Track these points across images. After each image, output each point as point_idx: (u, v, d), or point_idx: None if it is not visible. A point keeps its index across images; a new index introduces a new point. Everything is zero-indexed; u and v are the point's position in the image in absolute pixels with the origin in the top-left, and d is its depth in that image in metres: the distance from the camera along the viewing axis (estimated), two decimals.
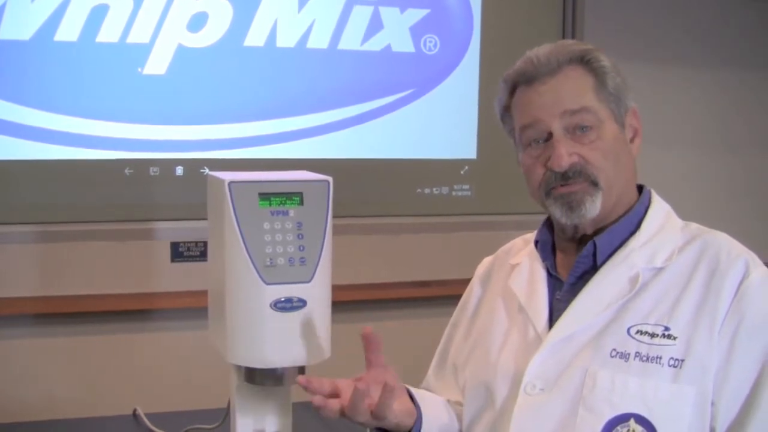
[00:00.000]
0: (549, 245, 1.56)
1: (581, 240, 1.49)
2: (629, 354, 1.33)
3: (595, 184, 1.42)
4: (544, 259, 1.53)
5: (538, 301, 1.49)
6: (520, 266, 1.57)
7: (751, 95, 3.94)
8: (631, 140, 1.48)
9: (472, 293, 1.72)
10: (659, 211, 1.48)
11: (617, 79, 1.45)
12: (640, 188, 1.53)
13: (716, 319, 1.31)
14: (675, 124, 3.78)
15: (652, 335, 1.33)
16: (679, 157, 3.80)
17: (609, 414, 1.31)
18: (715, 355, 1.30)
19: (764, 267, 1.38)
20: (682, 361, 1.30)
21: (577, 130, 1.42)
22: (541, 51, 1.48)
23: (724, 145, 3.92)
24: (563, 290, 1.47)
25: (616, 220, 1.46)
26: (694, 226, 1.47)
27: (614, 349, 1.34)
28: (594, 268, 1.45)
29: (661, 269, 1.39)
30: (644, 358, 1.32)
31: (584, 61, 1.45)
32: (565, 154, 1.41)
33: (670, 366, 1.30)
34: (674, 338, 1.31)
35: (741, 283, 1.34)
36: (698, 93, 3.80)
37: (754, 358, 1.30)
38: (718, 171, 3.90)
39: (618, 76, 1.46)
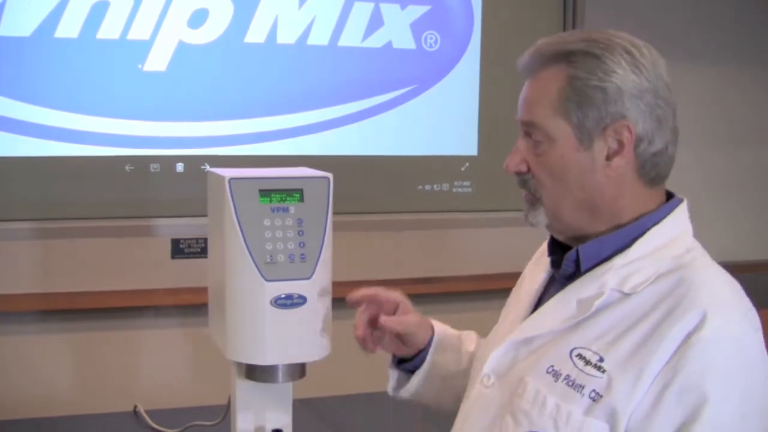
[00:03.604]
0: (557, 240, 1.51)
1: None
2: (561, 374, 1.29)
3: (537, 198, 1.38)
4: (549, 254, 1.49)
5: (527, 294, 1.49)
6: (543, 255, 1.53)
7: (756, 89, 3.93)
8: (608, 157, 1.31)
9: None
10: (664, 231, 1.35)
11: (597, 90, 1.29)
12: (669, 195, 1.40)
13: (647, 368, 1.22)
14: (679, 119, 3.77)
15: (587, 362, 1.27)
16: (684, 150, 3.79)
17: (527, 427, 1.30)
18: (634, 404, 1.21)
19: (732, 321, 1.24)
20: (601, 396, 1.24)
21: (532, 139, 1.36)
22: (534, 47, 1.38)
23: (730, 139, 3.91)
24: (553, 289, 1.44)
25: (607, 231, 1.35)
26: (691, 256, 1.33)
27: (552, 366, 1.30)
28: (577, 274, 1.38)
29: (627, 295, 1.30)
30: (570, 383, 1.27)
31: (568, 61, 1.32)
32: (513, 160, 1.38)
33: (589, 397, 1.25)
34: (603, 371, 1.25)
35: (688, 336, 1.21)
36: (702, 87, 3.78)
37: (674, 420, 1.20)
38: (723, 165, 3.89)
39: (606, 82, 1.29)
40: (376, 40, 3.36)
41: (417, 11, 3.39)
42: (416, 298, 3.18)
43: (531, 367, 1.33)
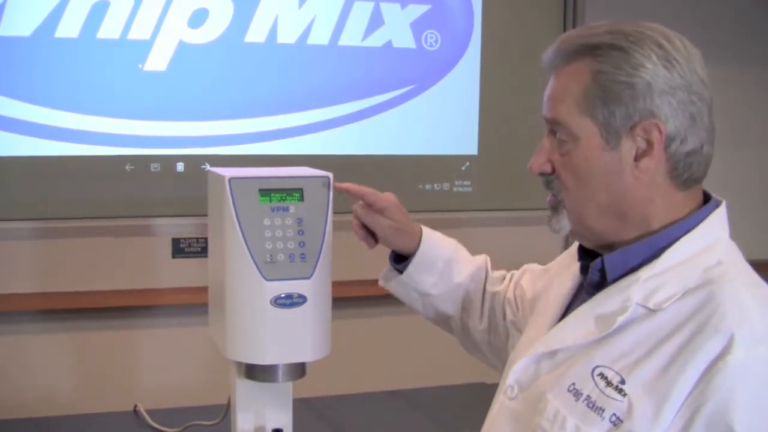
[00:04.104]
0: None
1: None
2: (582, 394, 1.22)
3: (560, 201, 1.31)
4: (579, 258, 1.40)
5: (555, 301, 1.42)
6: (574, 258, 1.43)
7: (756, 89, 3.93)
8: (636, 158, 1.23)
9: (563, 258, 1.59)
10: (696, 240, 1.25)
11: (624, 85, 1.21)
12: (706, 199, 1.31)
13: (670, 395, 1.15)
14: None
15: (608, 383, 1.20)
16: None
17: None
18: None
19: (761, 341, 1.15)
20: (622, 422, 1.17)
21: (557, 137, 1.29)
22: (558, 41, 1.30)
23: (730, 140, 3.91)
24: (580, 298, 1.37)
25: (633, 240, 1.27)
26: (722, 269, 1.23)
27: (573, 384, 1.24)
28: (604, 283, 1.30)
29: (653, 312, 1.22)
30: (590, 405, 1.21)
31: (594, 55, 1.24)
32: (537, 161, 1.32)
33: (610, 421, 1.18)
34: (624, 395, 1.18)
35: (714, 362, 1.13)
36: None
37: None
38: (723, 165, 3.87)
39: (634, 77, 1.21)
40: (377, 40, 3.36)
41: (417, 10, 3.39)
42: None
43: (553, 383, 1.28)
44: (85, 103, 3.04)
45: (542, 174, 1.32)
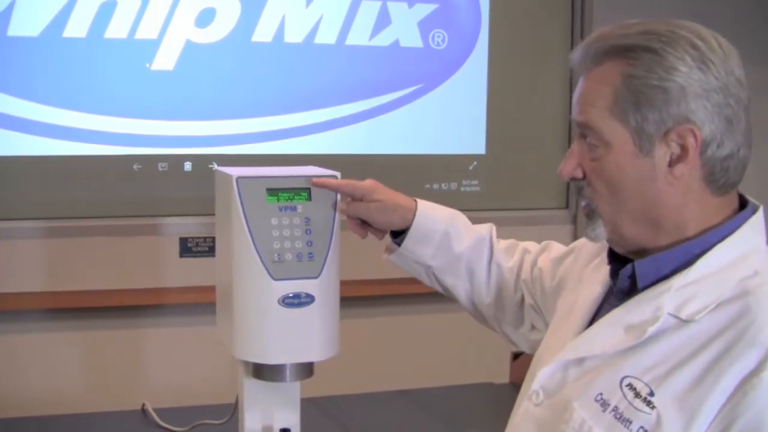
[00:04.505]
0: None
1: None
2: (609, 404, 1.20)
3: (594, 209, 1.27)
4: (608, 261, 1.35)
5: (582, 306, 1.38)
6: (603, 262, 1.38)
7: (756, 89, 3.91)
8: (670, 164, 1.19)
9: (582, 252, 1.55)
10: (731, 247, 1.21)
11: (658, 89, 1.17)
12: (743, 203, 1.27)
13: (701, 411, 1.11)
14: None
15: (637, 394, 1.17)
16: None
17: None
18: None
19: None
20: None
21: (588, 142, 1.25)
22: (587, 40, 1.26)
23: None
24: (609, 304, 1.33)
25: (666, 247, 1.23)
26: (759, 280, 1.18)
27: (601, 394, 1.21)
28: (635, 290, 1.27)
29: (685, 322, 1.18)
30: (618, 416, 1.18)
31: (625, 57, 1.19)
32: (568, 166, 1.27)
33: None
34: (653, 407, 1.15)
35: (748, 377, 1.10)
36: None
37: None
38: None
39: (667, 81, 1.16)
40: (384, 39, 3.36)
41: (424, 9, 3.39)
42: (424, 296, 3.18)
43: (580, 391, 1.25)
44: (92, 103, 3.05)
45: (573, 179, 1.28)
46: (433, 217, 1.69)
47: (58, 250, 3.11)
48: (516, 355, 2.48)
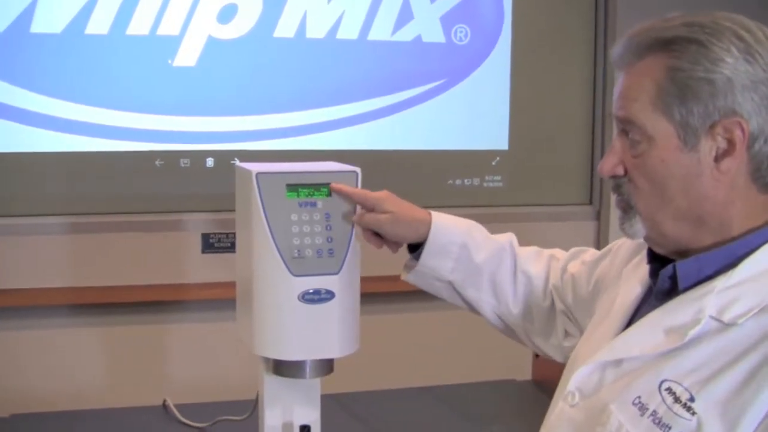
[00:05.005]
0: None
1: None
2: (648, 408, 1.16)
3: (631, 206, 1.23)
4: (648, 260, 1.32)
5: (621, 307, 1.34)
6: (643, 260, 1.35)
7: None
8: (716, 159, 1.15)
9: (619, 252, 1.52)
10: None
11: (703, 82, 1.14)
12: None
13: (743, 419, 1.09)
14: None
15: (677, 399, 1.14)
16: None
17: None
18: None
19: None
20: None
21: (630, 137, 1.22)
22: (627, 35, 1.23)
23: None
24: (648, 304, 1.30)
25: (709, 247, 1.20)
26: None
27: (639, 397, 1.18)
28: (675, 291, 1.24)
29: (727, 326, 1.14)
30: (656, 421, 1.15)
31: (668, 50, 1.16)
32: (608, 162, 1.23)
33: None
34: (693, 413, 1.12)
35: None
36: None
37: None
38: None
39: (713, 73, 1.13)
40: (406, 34, 3.34)
41: (447, 4, 3.37)
42: None
43: (617, 394, 1.21)
44: (115, 99, 3.06)
45: (614, 177, 1.24)
46: (449, 229, 1.65)
47: (80, 246, 3.13)
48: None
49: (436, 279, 1.66)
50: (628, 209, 1.24)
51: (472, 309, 1.72)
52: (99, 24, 3.02)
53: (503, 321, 1.72)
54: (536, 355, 2.48)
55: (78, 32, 3.00)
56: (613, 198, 1.28)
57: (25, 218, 3.07)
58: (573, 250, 1.70)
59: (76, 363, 3.15)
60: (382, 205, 1.60)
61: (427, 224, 1.63)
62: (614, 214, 3.55)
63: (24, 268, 3.10)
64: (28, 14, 2.95)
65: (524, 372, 2.52)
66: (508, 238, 1.72)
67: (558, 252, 1.72)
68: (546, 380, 2.37)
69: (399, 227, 1.62)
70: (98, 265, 3.15)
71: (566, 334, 1.66)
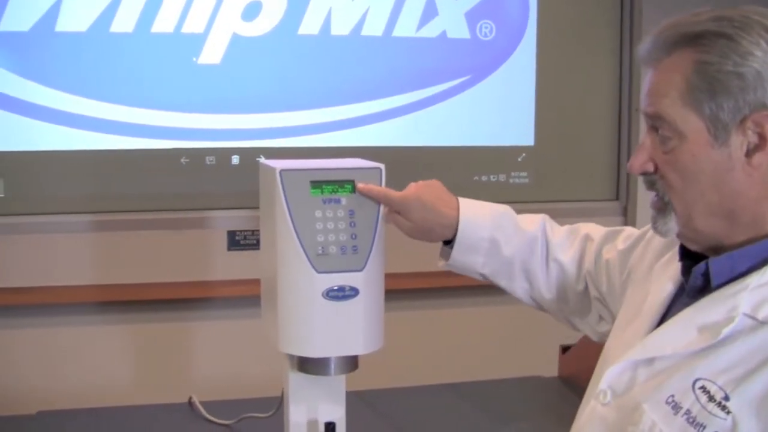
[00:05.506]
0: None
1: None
2: (682, 408, 1.16)
3: (666, 203, 1.23)
4: (680, 257, 1.31)
5: (652, 305, 1.33)
6: (675, 258, 1.34)
7: None
8: (748, 154, 1.15)
9: (651, 244, 1.50)
10: None
11: (733, 76, 1.13)
12: None
13: None
14: None
15: (711, 398, 1.13)
16: None
17: None
18: None
19: None
20: None
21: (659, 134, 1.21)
22: (656, 31, 1.22)
23: None
24: (681, 302, 1.29)
25: (742, 244, 1.19)
26: None
27: (672, 396, 1.17)
28: (708, 288, 1.23)
29: (762, 324, 1.13)
30: (690, 420, 1.14)
31: (697, 44, 1.16)
32: (638, 159, 1.23)
33: None
34: (728, 412, 1.11)
35: None
36: None
37: None
38: None
39: (743, 66, 1.12)
40: (431, 30, 3.33)
41: (472, 0, 3.36)
42: (472, 289, 3.16)
43: (650, 393, 1.21)
44: (140, 97, 3.07)
45: (644, 174, 1.24)
46: (477, 224, 1.65)
47: (107, 244, 3.14)
48: (565, 349, 2.45)
49: (466, 269, 1.68)
50: (663, 207, 1.23)
51: (507, 292, 1.73)
52: (124, 22, 3.03)
53: (538, 303, 1.73)
54: (563, 351, 2.47)
55: (103, 31, 3.01)
56: (650, 196, 1.27)
57: (52, 216, 3.08)
58: (608, 231, 1.68)
59: (102, 360, 3.16)
60: (407, 213, 1.61)
61: (454, 225, 1.64)
62: (641, 210, 3.53)
63: (50, 265, 3.12)
64: (53, 13, 2.96)
65: (550, 369, 2.50)
66: (540, 222, 1.71)
67: (593, 230, 1.70)
68: (572, 376, 2.36)
69: (422, 235, 1.65)
70: (124, 262, 3.17)
71: (600, 318, 1.66)
